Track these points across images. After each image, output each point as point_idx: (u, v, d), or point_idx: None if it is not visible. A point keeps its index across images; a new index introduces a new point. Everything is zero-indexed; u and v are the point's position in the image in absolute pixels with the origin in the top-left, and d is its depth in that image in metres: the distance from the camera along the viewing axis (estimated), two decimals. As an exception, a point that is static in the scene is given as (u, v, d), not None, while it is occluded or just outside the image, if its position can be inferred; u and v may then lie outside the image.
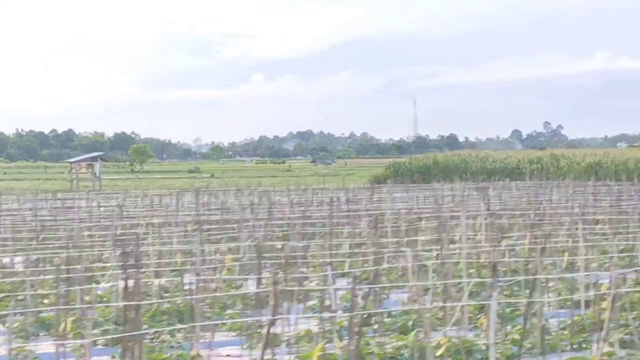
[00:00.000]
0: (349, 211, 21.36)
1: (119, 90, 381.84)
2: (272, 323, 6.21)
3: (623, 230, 18.38)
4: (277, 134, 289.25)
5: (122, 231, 16.35)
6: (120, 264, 8.94)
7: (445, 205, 20.76)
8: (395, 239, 14.24)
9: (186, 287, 14.48)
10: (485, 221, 18.56)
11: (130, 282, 7.26)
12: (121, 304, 8.25)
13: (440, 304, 10.22)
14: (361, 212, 20.47)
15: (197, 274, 9.65)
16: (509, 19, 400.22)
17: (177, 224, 17.37)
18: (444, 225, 14.00)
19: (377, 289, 13.93)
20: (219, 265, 13.64)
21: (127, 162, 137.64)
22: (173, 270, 15.79)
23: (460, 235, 12.19)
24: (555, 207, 21.26)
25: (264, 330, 7.21)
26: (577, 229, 16.48)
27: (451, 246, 13.92)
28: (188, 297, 10.48)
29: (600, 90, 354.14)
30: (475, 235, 17.63)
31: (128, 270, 7.14)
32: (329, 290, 11.91)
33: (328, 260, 12.27)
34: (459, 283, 11.06)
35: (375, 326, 13.36)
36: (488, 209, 19.95)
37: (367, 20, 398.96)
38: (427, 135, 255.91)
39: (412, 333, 10.52)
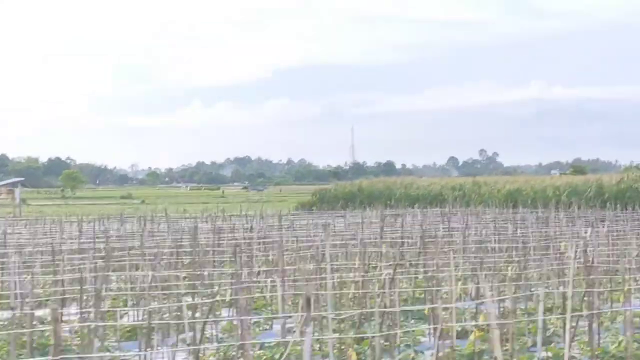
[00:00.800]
0: (244, 239, 21.03)
1: (55, 115, 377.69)
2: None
3: (515, 258, 18.21)
4: (215, 160, 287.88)
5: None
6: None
7: (340, 234, 20.48)
8: (259, 269, 13.89)
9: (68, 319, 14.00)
10: (382, 249, 18.29)
11: None
12: None
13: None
14: (253, 240, 20.14)
15: (12, 309, 9.15)
16: (445, 47, 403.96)
17: (54, 252, 16.84)
18: (321, 254, 13.66)
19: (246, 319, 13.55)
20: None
21: (60, 188, 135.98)
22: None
23: (327, 265, 11.86)
24: (451, 235, 21.07)
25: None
26: (457, 256, 16.33)
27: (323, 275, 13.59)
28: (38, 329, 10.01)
29: (535, 119, 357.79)
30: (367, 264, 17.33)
31: None
32: (188, 321, 11.52)
33: (183, 290, 11.84)
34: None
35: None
36: (381, 237, 19.76)
37: (305, 48, 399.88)
38: (364, 162, 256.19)
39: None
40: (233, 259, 15.20)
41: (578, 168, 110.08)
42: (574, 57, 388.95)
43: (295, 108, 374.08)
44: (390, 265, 15.39)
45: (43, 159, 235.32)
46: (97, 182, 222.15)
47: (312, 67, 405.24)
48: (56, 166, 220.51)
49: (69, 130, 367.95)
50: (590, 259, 16.09)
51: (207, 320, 9.28)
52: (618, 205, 41.71)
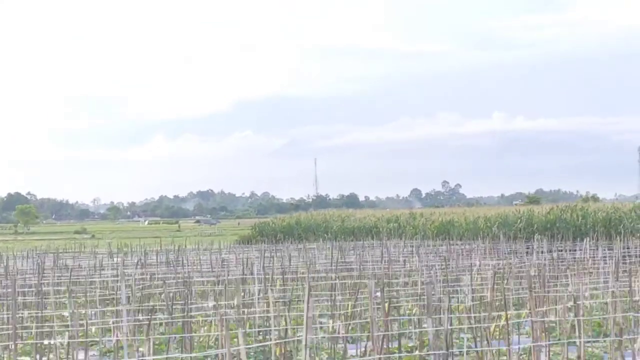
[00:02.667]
0: (116, 276, 20.46)
1: (16, 150, 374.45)
2: None
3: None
4: (178, 194, 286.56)
5: None
6: None
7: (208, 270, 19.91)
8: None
9: None
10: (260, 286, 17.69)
11: None
12: None
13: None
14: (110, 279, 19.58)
15: None
16: (407, 79, 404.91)
17: None
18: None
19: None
20: None
21: (13, 224, 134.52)
22: None
23: (122, 308, 11.28)
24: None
25: None
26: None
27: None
28: None
29: (497, 150, 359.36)
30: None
31: None
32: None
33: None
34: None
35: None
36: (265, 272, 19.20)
37: (266, 81, 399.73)
38: (327, 195, 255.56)
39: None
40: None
41: (533, 199, 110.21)
42: (535, 88, 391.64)
43: (259, 141, 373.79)
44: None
45: (2, 194, 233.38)
46: (53, 216, 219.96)
47: (274, 99, 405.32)
48: (16, 201, 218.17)
49: (30, 165, 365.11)
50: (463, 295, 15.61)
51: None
52: (540, 236, 41.39)
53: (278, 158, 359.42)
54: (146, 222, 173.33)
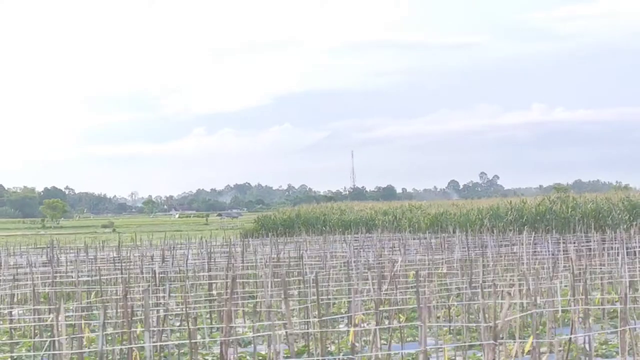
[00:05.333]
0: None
1: (55, 145, 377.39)
2: None
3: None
4: (215, 187, 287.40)
5: None
6: None
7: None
8: None
9: None
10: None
11: None
12: None
13: None
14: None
15: None
16: (445, 71, 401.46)
17: None
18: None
19: None
20: None
21: (43, 218, 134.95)
22: None
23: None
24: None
25: None
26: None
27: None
28: None
29: (536, 141, 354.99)
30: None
31: None
32: None
33: None
34: None
35: None
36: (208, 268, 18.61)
37: (305, 75, 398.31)
38: (363, 187, 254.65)
39: None
40: None
41: (561, 189, 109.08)
42: (574, 79, 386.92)
43: (296, 135, 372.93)
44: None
45: (40, 188, 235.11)
46: (85, 210, 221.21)
47: (311, 93, 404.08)
48: (53, 196, 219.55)
49: (68, 161, 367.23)
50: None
51: None
52: (524, 228, 40.42)
53: (315, 151, 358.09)
54: (177, 216, 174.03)
